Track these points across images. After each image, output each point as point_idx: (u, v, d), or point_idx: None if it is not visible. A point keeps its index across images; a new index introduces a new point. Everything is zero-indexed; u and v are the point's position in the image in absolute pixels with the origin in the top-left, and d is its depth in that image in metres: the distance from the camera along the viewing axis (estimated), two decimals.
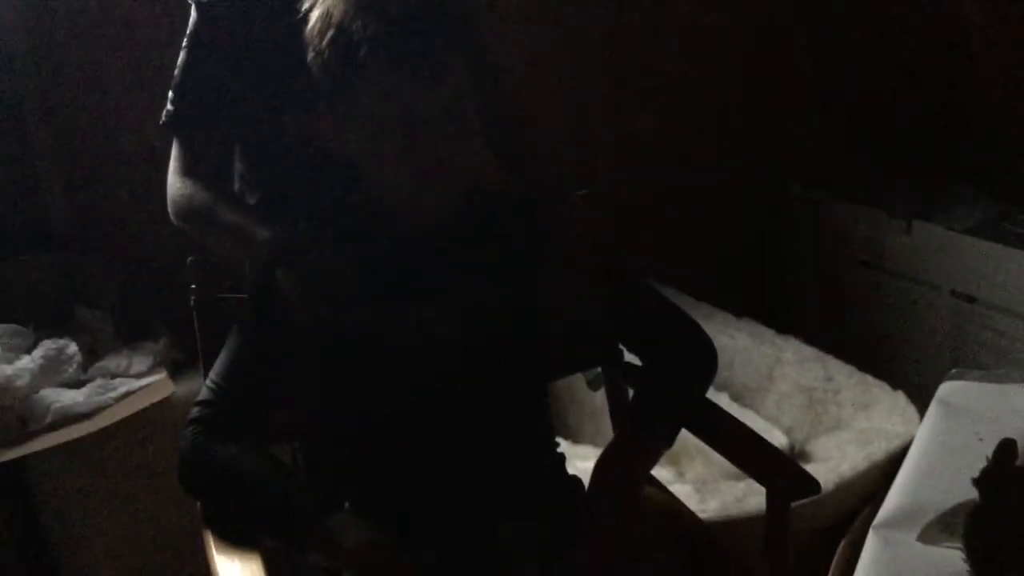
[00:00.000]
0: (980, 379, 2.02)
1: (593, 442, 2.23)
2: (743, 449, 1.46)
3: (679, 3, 2.93)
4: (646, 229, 2.92)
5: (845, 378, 2.37)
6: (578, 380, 2.01)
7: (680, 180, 3.01)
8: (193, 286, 1.52)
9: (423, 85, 1.22)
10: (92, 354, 2.32)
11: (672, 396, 1.39)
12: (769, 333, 2.57)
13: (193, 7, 1.53)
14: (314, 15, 1.25)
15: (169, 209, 1.52)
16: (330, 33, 1.23)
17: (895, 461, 1.97)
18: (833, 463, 2.05)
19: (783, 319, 2.73)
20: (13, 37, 2.37)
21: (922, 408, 2.17)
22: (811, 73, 3.16)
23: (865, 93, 3.01)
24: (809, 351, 2.48)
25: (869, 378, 2.35)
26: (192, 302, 1.52)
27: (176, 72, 1.54)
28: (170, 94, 1.54)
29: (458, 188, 1.30)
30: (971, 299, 2.60)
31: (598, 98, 2.91)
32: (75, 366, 2.23)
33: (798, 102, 3.16)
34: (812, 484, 1.34)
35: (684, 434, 1.41)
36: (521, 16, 2.70)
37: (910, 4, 2.84)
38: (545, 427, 1.51)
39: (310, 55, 1.26)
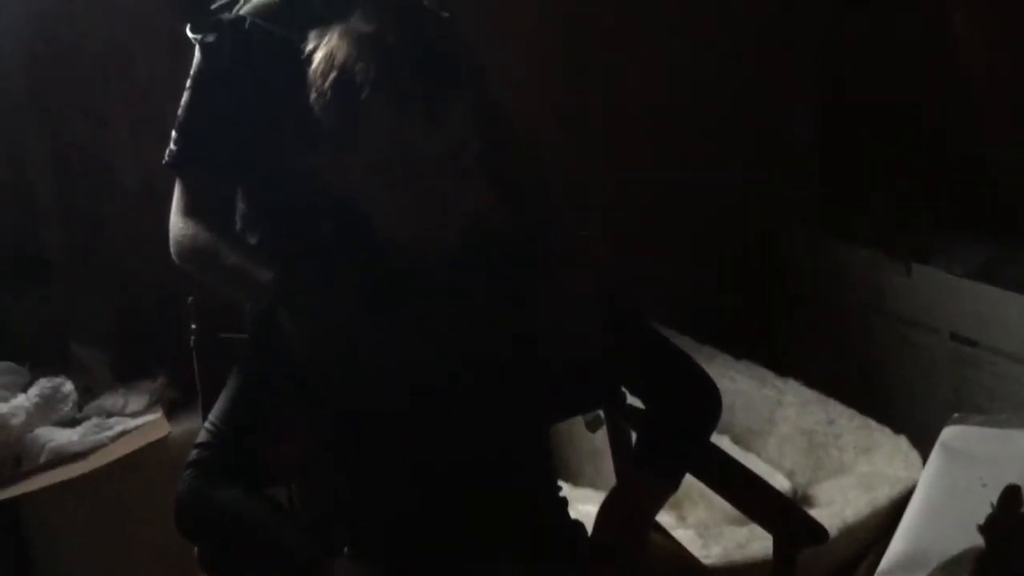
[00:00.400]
0: (983, 424, 2.02)
1: (593, 485, 2.21)
2: (748, 494, 1.45)
3: (678, 38, 2.94)
4: (643, 270, 2.91)
5: (847, 421, 2.36)
6: (577, 422, 1.99)
7: (679, 219, 3.01)
8: (193, 326, 1.51)
9: (424, 127, 1.22)
10: (88, 392, 2.31)
11: (677, 440, 1.38)
12: (770, 376, 2.56)
13: (197, 47, 1.53)
14: (317, 56, 1.26)
15: (172, 249, 1.51)
16: (333, 74, 1.23)
17: (899, 507, 1.96)
18: (836, 508, 2.03)
19: (783, 361, 2.72)
20: (14, 72, 2.38)
21: (924, 452, 2.17)
22: (812, 114, 3.17)
23: (866, 134, 3.02)
24: (810, 394, 2.47)
25: (871, 422, 2.34)
26: (192, 342, 1.51)
27: (180, 112, 1.54)
28: (173, 134, 1.54)
29: (459, 229, 1.30)
30: (972, 343, 2.60)
31: (597, 134, 2.91)
32: (71, 405, 2.21)
33: (799, 143, 3.18)
34: (820, 531, 1.33)
35: (686, 478, 1.39)
36: (522, 52, 2.72)
37: (913, 49, 2.86)
38: (547, 470, 1.49)
39: (312, 96, 1.26)
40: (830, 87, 3.13)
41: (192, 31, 1.53)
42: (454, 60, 1.26)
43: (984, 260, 2.66)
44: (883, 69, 2.97)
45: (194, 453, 1.32)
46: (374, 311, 1.31)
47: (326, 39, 1.26)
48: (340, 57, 1.23)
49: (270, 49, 1.46)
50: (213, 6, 1.56)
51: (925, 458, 2.14)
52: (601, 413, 1.78)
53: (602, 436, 1.78)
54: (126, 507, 2.12)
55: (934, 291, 2.67)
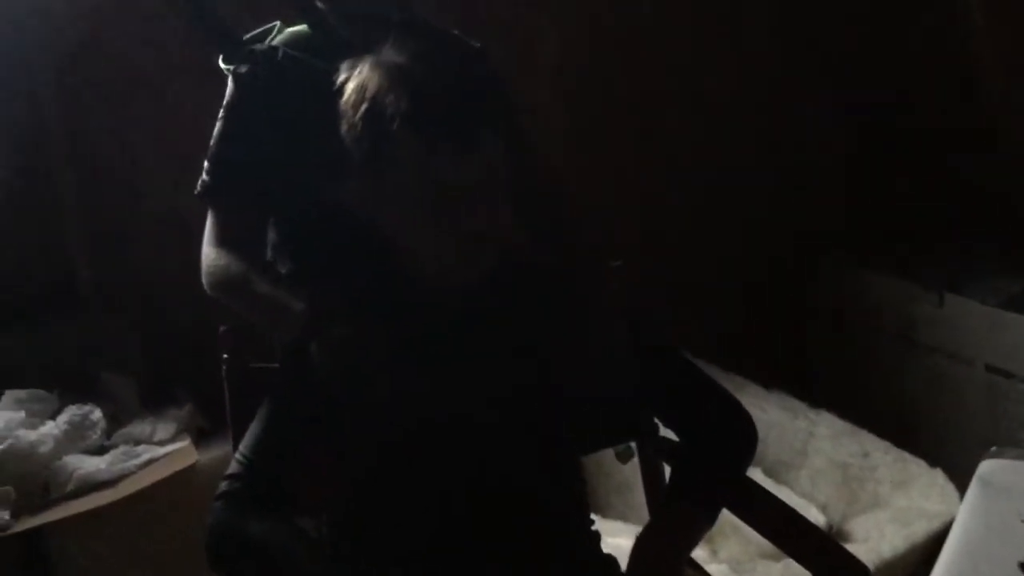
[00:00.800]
0: (1020, 457, 1.98)
1: (623, 517, 2.19)
2: (784, 529, 1.42)
3: (707, 75, 2.94)
4: (671, 299, 2.89)
5: (881, 454, 2.32)
6: (605, 452, 1.97)
7: (708, 248, 3.00)
8: (224, 355, 1.50)
9: (453, 158, 1.21)
10: (115, 420, 2.31)
11: (713, 473, 1.36)
12: (802, 406, 2.53)
13: (230, 78, 1.53)
14: (349, 87, 1.26)
15: (203, 279, 1.51)
16: (364, 106, 1.23)
17: (936, 542, 1.92)
18: (872, 543, 2.00)
19: (814, 392, 2.69)
20: (44, 102, 2.40)
21: (960, 486, 2.13)
22: (843, 145, 3.16)
23: (897, 164, 3.00)
24: (843, 426, 2.44)
25: (906, 454, 2.31)
26: (223, 371, 1.51)
27: (211, 142, 1.54)
28: (205, 164, 1.54)
29: (490, 261, 1.29)
30: (1008, 374, 2.56)
31: (626, 168, 2.90)
32: (99, 432, 2.21)
33: (830, 172, 3.16)
34: (859, 568, 1.30)
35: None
36: (545, 82, 2.72)
37: (943, 84, 2.84)
38: (580, 502, 1.47)
39: (344, 127, 1.26)
40: (864, 114, 3.12)
41: (224, 62, 1.54)
42: (484, 91, 1.26)
43: (1019, 290, 2.62)
44: (916, 97, 2.95)
45: (224, 484, 1.31)
46: (403, 342, 1.30)
47: (357, 70, 1.26)
48: (371, 88, 1.23)
49: (302, 80, 1.47)
50: (245, 37, 1.56)
51: (962, 492, 2.10)
52: (632, 445, 1.76)
53: (632, 467, 1.75)
54: (154, 535, 2.11)
55: (968, 322, 2.64)
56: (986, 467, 1.94)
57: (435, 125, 1.21)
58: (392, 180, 1.24)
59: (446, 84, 1.22)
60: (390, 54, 1.25)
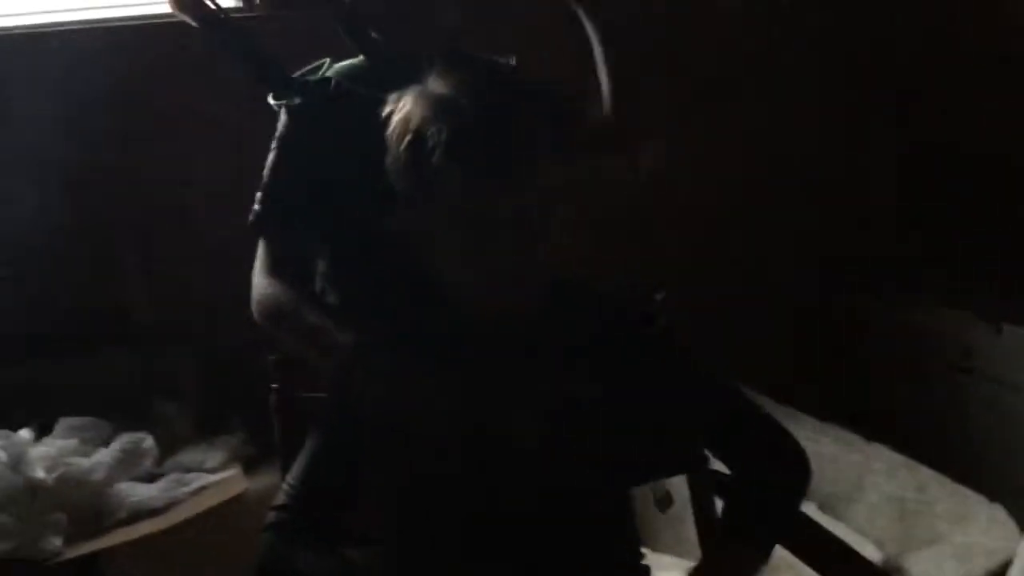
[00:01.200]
0: None
1: (673, 551, 2.15)
2: (840, 566, 1.39)
3: (751, 110, 2.93)
4: (720, 331, 2.87)
5: (939, 488, 2.27)
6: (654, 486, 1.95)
7: (757, 280, 2.97)
8: (274, 385, 1.51)
9: (495, 191, 1.21)
10: (168, 447, 2.33)
11: (768, 509, 1.33)
12: (856, 439, 2.48)
13: (283, 111, 1.55)
14: (394, 119, 1.26)
15: (253, 308, 1.52)
16: (408, 137, 1.23)
17: None
18: None
19: (869, 425, 2.64)
20: (101, 137, 2.45)
21: (1021, 522, 2.08)
22: (896, 170, 3.12)
23: (950, 190, 2.95)
24: (899, 459, 2.38)
25: (964, 489, 2.25)
26: (272, 401, 1.51)
27: (265, 172, 1.56)
28: (258, 194, 1.55)
29: (535, 293, 1.28)
30: None
31: (674, 204, 2.89)
32: (151, 460, 2.23)
33: (881, 202, 3.12)
34: None
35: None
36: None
37: (993, 99, 2.80)
38: (630, 536, 1.45)
39: (389, 159, 1.26)
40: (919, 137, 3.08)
41: (274, 99, 1.56)
42: (531, 123, 1.25)
43: None
44: (965, 123, 2.91)
45: (272, 515, 1.32)
46: (450, 374, 1.29)
47: (402, 102, 1.27)
48: (415, 120, 1.23)
49: (354, 111, 1.47)
50: (295, 75, 1.58)
51: (1022, 528, 2.05)
52: (670, 492, 1.74)
53: (683, 500, 1.73)
54: (203, 563, 2.11)
55: None
56: None
57: (476, 157, 1.20)
58: (436, 211, 1.24)
59: (489, 115, 1.22)
60: (435, 84, 1.26)
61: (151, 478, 2.22)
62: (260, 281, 1.52)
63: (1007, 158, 2.82)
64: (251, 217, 1.56)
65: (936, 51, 2.97)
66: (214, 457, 2.29)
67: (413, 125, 1.23)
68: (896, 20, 3.01)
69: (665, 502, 1.77)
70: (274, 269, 1.52)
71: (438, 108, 1.22)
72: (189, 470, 2.26)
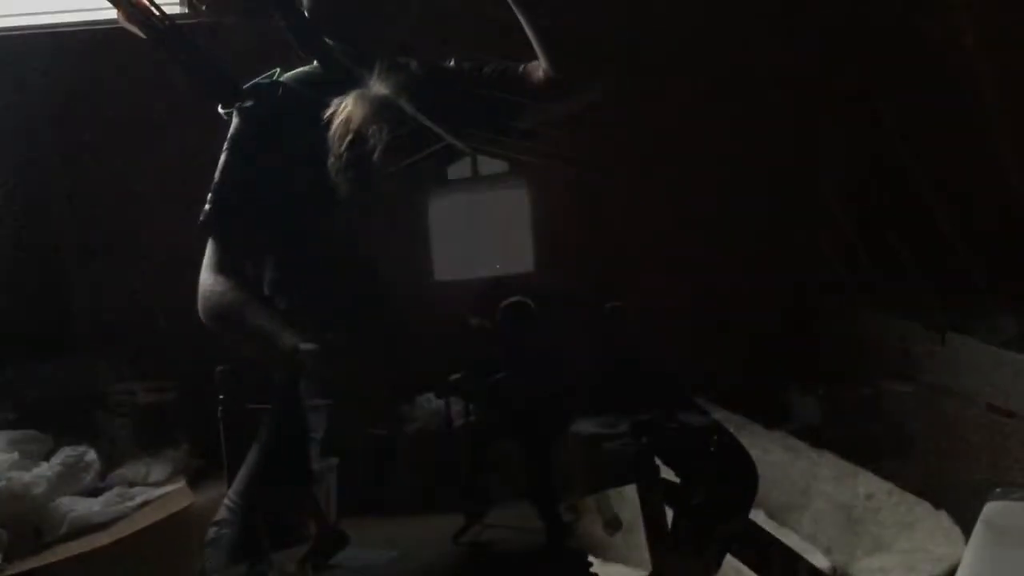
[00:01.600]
0: None
1: (624, 560, 2.15)
2: (789, 573, 1.40)
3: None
4: (674, 340, 2.89)
5: (885, 496, 2.30)
6: (605, 493, 1.95)
7: (710, 289, 2.99)
8: (221, 396, 1.49)
9: (435, 191, 1.22)
10: (110, 461, 2.29)
11: (716, 518, 1.34)
12: (803, 447, 2.50)
13: (235, 112, 1.54)
14: (336, 120, 1.27)
15: (199, 305, 1.50)
16: (348, 137, 1.25)
17: None
18: None
19: (816, 433, 2.66)
20: (46, 145, 2.40)
21: (965, 528, 2.11)
22: (847, 182, 3.16)
23: (901, 206, 2.99)
24: (846, 467, 2.41)
25: (910, 496, 2.28)
26: (219, 413, 1.49)
27: (216, 173, 1.54)
28: (209, 195, 1.54)
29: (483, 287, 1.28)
30: (1010, 414, 2.53)
31: (634, 216, 2.91)
32: (93, 474, 2.19)
33: (833, 215, 3.16)
34: None
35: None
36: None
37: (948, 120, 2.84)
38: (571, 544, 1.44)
39: (330, 159, 1.26)
40: (866, 156, 3.12)
41: (223, 108, 1.55)
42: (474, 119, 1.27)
43: (1021, 330, 2.60)
44: (918, 140, 2.95)
45: (212, 531, 1.31)
46: (399, 375, 1.29)
47: (344, 103, 1.27)
48: (356, 120, 1.25)
49: (301, 113, 1.47)
50: (246, 86, 1.58)
51: (967, 534, 2.08)
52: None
53: (633, 508, 1.72)
54: None
55: (970, 361, 2.62)
56: (991, 509, 1.91)
57: (416, 154, 1.21)
58: (374, 210, 1.25)
59: (428, 113, 1.23)
60: (377, 85, 1.27)
61: (94, 492, 2.18)
62: (206, 278, 1.50)
63: (955, 173, 2.86)
64: (201, 217, 1.54)
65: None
66: (159, 470, 2.26)
67: (354, 125, 1.25)
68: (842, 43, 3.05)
69: (613, 524, 1.76)
70: (221, 267, 1.50)
71: (375, 108, 1.24)
72: (133, 484, 2.22)
